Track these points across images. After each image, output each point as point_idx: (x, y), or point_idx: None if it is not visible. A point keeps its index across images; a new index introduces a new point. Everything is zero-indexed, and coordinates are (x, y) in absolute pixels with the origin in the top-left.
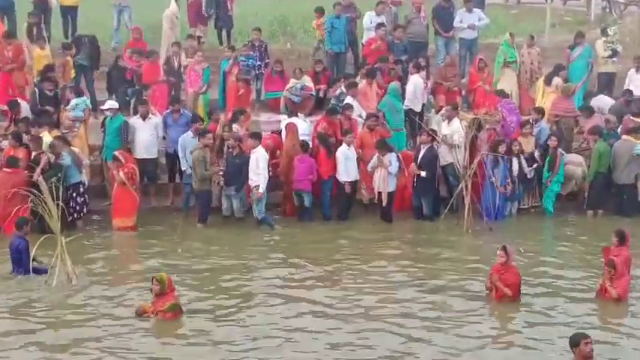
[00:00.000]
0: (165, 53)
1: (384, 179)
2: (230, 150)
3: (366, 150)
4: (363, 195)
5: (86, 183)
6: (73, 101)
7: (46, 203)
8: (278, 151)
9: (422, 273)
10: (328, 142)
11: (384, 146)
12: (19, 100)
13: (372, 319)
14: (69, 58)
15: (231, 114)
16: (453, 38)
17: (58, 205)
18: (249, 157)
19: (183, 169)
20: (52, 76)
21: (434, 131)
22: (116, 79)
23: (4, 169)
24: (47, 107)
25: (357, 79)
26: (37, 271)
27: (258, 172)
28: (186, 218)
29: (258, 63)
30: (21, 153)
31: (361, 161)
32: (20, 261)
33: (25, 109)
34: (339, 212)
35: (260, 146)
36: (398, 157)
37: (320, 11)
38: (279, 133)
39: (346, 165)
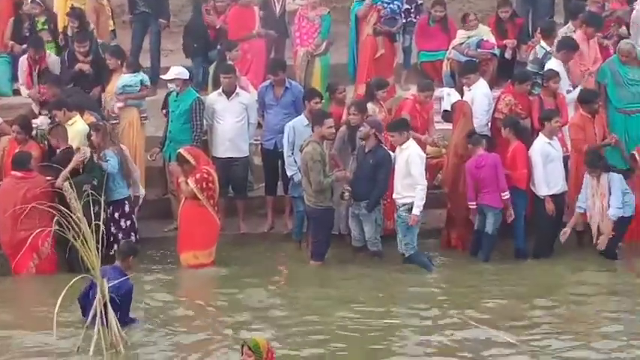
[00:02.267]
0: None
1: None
2: (362, 144)
3: (582, 145)
4: (577, 218)
5: (141, 196)
6: (123, 79)
7: (78, 226)
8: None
9: None
10: (522, 128)
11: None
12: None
13: None
14: (104, 1)
15: (364, 87)
16: None
17: (97, 228)
18: (389, 156)
19: (289, 174)
20: (84, 29)
21: None
22: (195, 37)
23: (13, 173)
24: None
25: (565, 28)
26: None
27: (411, 183)
28: (295, 251)
29: (406, 6)
30: (34, 149)
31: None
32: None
33: (53, 63)
34: (537, 245)
35: (412, 140)
36: (633, 155)
37: None
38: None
39: (548, 170)
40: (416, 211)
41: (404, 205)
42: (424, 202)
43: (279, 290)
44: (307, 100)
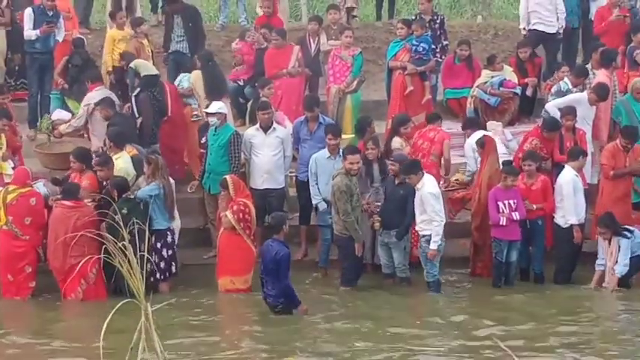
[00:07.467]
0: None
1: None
2: (391, 176)
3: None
4: (599, 276)
5: (176, 228)
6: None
7: (124, 254)
8: (452, 178)
9: None
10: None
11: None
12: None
13: None
14: (145, 41)
15: (391, 122)
16: None
17: (143, 257)
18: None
19: (314, 202)
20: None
21: None
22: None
23: (63, 202)
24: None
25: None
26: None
27: (427, 219)
28: (326, 278)
29: (432, 47)
30: (88, 180)
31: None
32: (278, 278)
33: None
34: (557, 273)
35: (426, 178)
36: None
37: None
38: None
39: (576, 200)
40: (433, 245)
41: (424, 236)
42: (440, 236)
43: (311, 312)
44: (326, 133)
